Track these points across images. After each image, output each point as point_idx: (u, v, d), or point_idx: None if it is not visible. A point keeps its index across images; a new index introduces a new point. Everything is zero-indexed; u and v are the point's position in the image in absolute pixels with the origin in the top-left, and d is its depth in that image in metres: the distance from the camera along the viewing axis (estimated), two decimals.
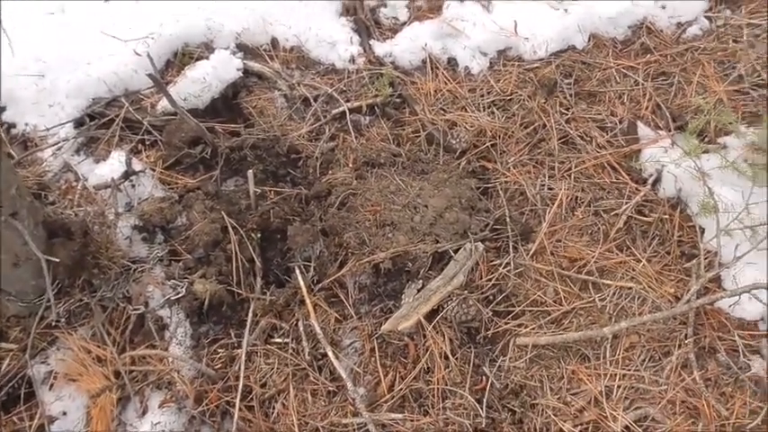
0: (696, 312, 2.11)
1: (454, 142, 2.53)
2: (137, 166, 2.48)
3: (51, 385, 2.15)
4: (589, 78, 2.69)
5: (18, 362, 2.16)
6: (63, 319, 2.26)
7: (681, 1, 2.79)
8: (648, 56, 2.70)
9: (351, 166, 2.53)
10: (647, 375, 2.04)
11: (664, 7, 2.77)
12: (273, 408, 2.11)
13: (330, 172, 2.53)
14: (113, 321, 2.26)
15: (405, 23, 2.95)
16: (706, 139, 2.47)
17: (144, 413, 2.11)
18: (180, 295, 2.25)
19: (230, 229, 2.30)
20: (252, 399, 2.11)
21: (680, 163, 2.27)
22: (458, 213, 2.34)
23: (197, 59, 2.82)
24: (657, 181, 2.40)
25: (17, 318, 2.27)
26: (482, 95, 2.67)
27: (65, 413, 2.10)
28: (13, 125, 2.67)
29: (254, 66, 2.80)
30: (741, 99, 2.56)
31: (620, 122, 2.56)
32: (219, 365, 2.17)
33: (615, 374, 2.06)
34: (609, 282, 2.21)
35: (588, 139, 2.53)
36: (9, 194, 1.98)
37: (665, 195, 2.37)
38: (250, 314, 2.23)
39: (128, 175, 2.43)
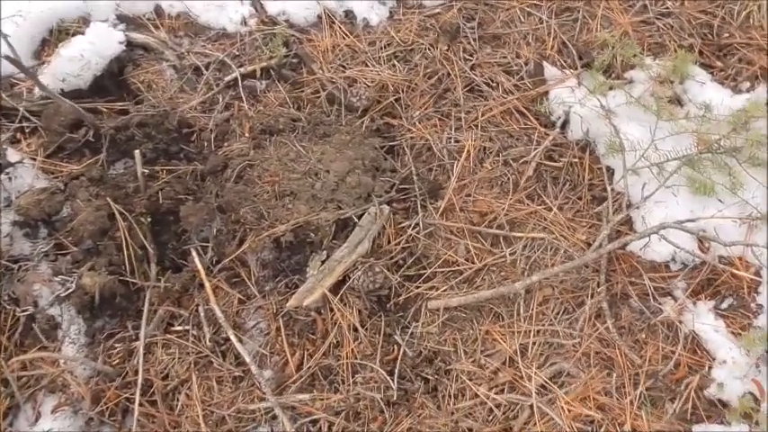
0: (608, 259, 2.02)
1: (354, 100, 2.37)
2: (13, 157, 2.27)
3: None
4: (492, 20, 2.53)
5: None
6: None
7: None
8: None
9: (247, 135, 2.35)
10: (561, 329, 1.96)
11: None
12: (177, 400, 1.98)
13: (226, 144, 2.36)
14: (0, 325, 2.07)
15: None
16: (613, 75, 2.35)
17: (37, 420, 1.95)
18: (70, 291, 2.09)
19: (117, 215, 2.12)
20: (153, 393, 1.98)
21: (585, 102, 2.15)
22: (360, 176, 2.19)
23: (74, 35, 2.58)
24: (566, 123, 2.28)
25: None
26: (382, 48, 2.50)
27: None
28: None
29: (138, 37, 2.58)
30: (647, 30, 2.43)
31: (526, 65, 2.43)
32: (117, 361, 2.02)
33: (529, 331, 1.96)
34: (520, 234, 2.10)
35: (494, 84, 2.39)
36: None
37: (574, 138, 2.26)
38: (146, 303, 2.07)
39: (1, 168, 2.21)
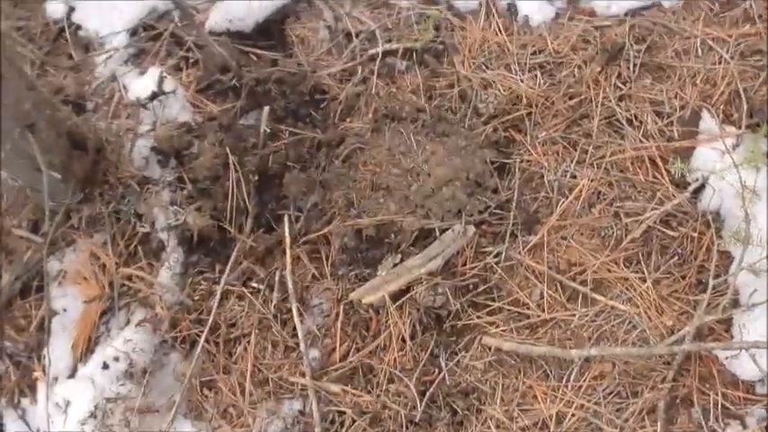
0: (687, 355, 1.79)
1: (482, 106, 2.26)
2: (168, 86, 2.50)
3: (60, 282, 2.34)
4: (665, 47, 2.23)
5: (39, 255, 2.36)
6: (84, 223, 2.40)
7: None
8: (747, 26, 2.16)
9: (371, 116, 2.36)
10: (605, 412, 1.81)
11: None
12: (236, 349, 2.15)
13: (349, 120, 2.40)
14: (124, 233, 2.37)
15: None
16: None
17: (125, 325, 2.24)
18: (178, 223, 2.30)
19: (231, 166, 2.27)
20: (219, 335, 2.16)
21: (728, 173, 1.85)
22: (456, 190, 2.12)
23: None
24: (700, 189, 1.99)
25: (52, 212, 2.46)
26: (532, 54, 2.33)
27: (65, 310, 2.29)
28: (79, 26, 2.76)
29: None
30: None
31: (682, 109, 2.12)
32: (198, 297, 2.22)
33: (572, 402, 1.84)
34: (600, 298, 1.93)
35: (637, 123, 2.14)
36: (22, 109, 2.07)
37: (703, 209, 1.97)
38: (234, 254, 2.23)
39: (155, 95, 2.45)
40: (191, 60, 2.62)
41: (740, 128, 2.02)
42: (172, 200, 2.34)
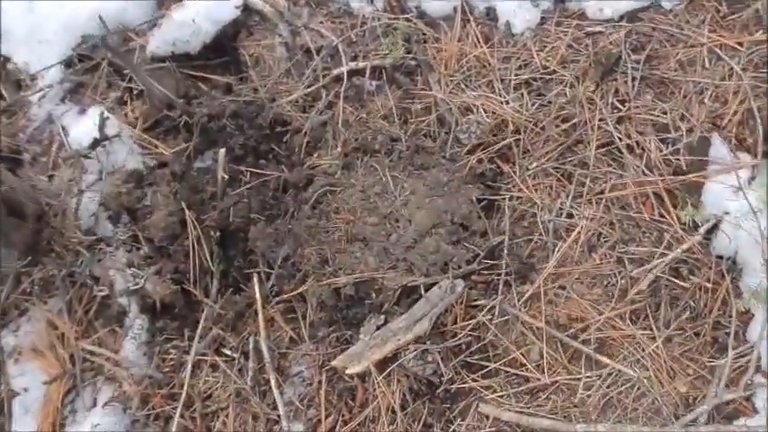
0: None
1: (463, 137, 1.97)
2: (112, 129, 2.19)
3: (16, 359, 2.10)
4: (667, 57, 1.93)
5: None
6: (37, 288, 2.15)
7: None
8: (760, 32, 1.85)
9: (340, 149, 2.08)
10: None
11: None
12: (215, 423, 1.95)
13: (316, 154, 2.11)
14: (81, 299, 2.13)
15: None
16: None
17: (93, 406, 2.03)
18: (138, 287, 2.05)
19: (189, 223, 1.99)
20: (195, 410, 1.96)
21: (742, 222, 1.60)
22: (440, 241, 1.87)
23: None
24: (713, 230, 1.74)
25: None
26: (516, 69, 2.03)
27: (26, 389, 2.07)
28: (8, 59, 2.41)
29: (256, 2, 2.30)
30: None
31: (690, 133, 1.85)
32: (168, 369, 2.01)
33: None
34: (606, 360, 1.72)
35: (639, 151, 1.87)
36: None
37: (717, 254, 1.73)
38: (201, 320, 2.00)
39: (97, 142, 2.14)
40: (135, 91, 2.29)
41: (756, 156, 1.75)
42: (128, 261, 2.08)
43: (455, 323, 1.84)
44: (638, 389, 1.69)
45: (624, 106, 1.90)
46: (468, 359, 1.84)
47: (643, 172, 1.83)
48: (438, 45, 2.10)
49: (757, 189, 1.69)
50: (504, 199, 1.92)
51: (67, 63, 2.32)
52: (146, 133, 2.21)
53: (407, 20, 2.16)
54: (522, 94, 1.99)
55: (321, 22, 2.26)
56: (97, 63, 2.29)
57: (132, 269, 2.07)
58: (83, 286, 2.11)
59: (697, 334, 1.71)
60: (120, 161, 2.18)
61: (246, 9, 2.30)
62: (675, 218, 1.77)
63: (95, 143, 2.14)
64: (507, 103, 1.97)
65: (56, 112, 2.29)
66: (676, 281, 1.74)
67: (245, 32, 2.31)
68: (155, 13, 2.37)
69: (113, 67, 2.30)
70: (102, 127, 2.15)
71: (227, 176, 2.05)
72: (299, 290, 1.94)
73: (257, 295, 1.97)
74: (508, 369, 1.80)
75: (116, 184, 2.08)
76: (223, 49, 2.29)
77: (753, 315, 1.67)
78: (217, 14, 2.24)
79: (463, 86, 2.04)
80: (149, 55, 2.28)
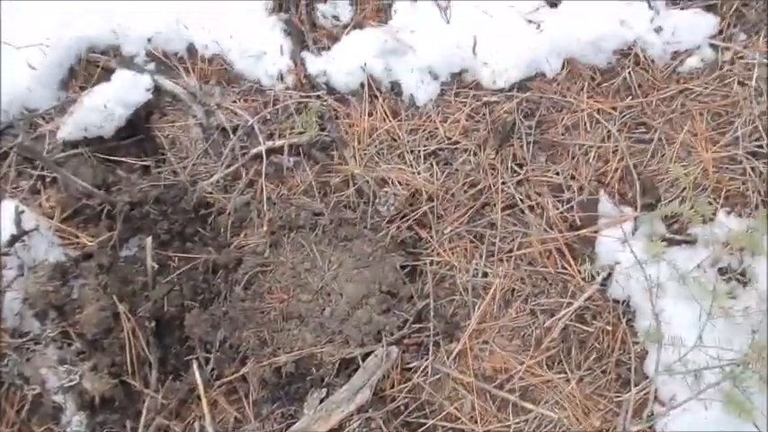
0: None
1: (382, 209, 2.10)
2: (28, 223, 2.15)
3: None
4: (554, 123, 2.15)
5: None
6: None
7: (682, 20, 2.12)
8: (630, 98, 2.12)
9: (265, 228, 2.15)
10: None
11: (659, 30, 2.12)
12: None
13: (243, 233, 2.17)
14: (10, 399, 2.07)
15: (346, 27, 2.35)
16: (675, 226, 1.99)
17: None
18: (73, 383, 2.03)
19: (122, 316, 2.00)
20: None
21: (630, 272, 1.84)
22: (371, 312, 1.99)
23: (102, 69, 2.34)
24: (609, 277, 1.98)
25: None
26: (424, 140, 2.19)
27: None
28: None
29: (167, 84, 2.32)
30: (730, 171, 2.03)
31: (581, 191, 2.08)
32: None
33: None
34: (530, 406, 1.91)
35: (539, 211, 2.08)
36: None
37: (614, 298, 1.97)
38: (144, 412, 2.01)
39: (15, 239, 2.10)
40: (47, 179, 2.26)
41: (636, 208, 2.00)
42: (60, 358, 2.06)
43: (392, 387, 1.97)
44: (561, 428, 1.89)
45: (522, 170, 2.11)
46: (408, 419, 1.98)
47: (545, 229, 2.04)
48: (350, 120, 2.23)
49: (640, 240, 1.94)
50: (425, 264, 2.07)
51: None
52: (64, 224, 2.20)
53: (318, 97, 2.26)
54: (432, 164, 2.15)
55: (234, 101, 2.32)
56: (5, 152, 2.24)
57: (66, 366, 2.05)
58: (11, 386, 2.06)
59: (604, 371, 1.94)
60: (40, 255, 2.15)
61: (158, 90, 2.32)
62: (576, 269, 1.99)
63: (13, 239, 2.11)
64: (419, 173, 2.13)
65: None
66: (582, 326, 1.97)
67: (158, 114, 2.33)
68: (60, 96, 2.34)
69: (23, 155, 2.25)
70: (18, 222, 2.12)
71: (156, 266, 2.08)
72: (240, 372, 2.00)
73: (198, 380, 2.01)
74: (445, 424, 1.95)
75: (40, 281, 2.06)
76: (137, 131, 2.30)
77: (647, 352, 1.91)
78: (128, 98, 2.26)
79: (377, 159, 2.17)
80: (60, 141, 2.26)
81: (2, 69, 2.24)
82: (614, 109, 2.12)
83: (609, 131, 2.11)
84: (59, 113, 2.30)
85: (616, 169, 2.08)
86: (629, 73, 2.12)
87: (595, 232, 2.01)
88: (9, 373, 2.07)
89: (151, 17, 2.31)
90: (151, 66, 2.35)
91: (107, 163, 2.27)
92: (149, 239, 2.08)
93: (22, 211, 2.14)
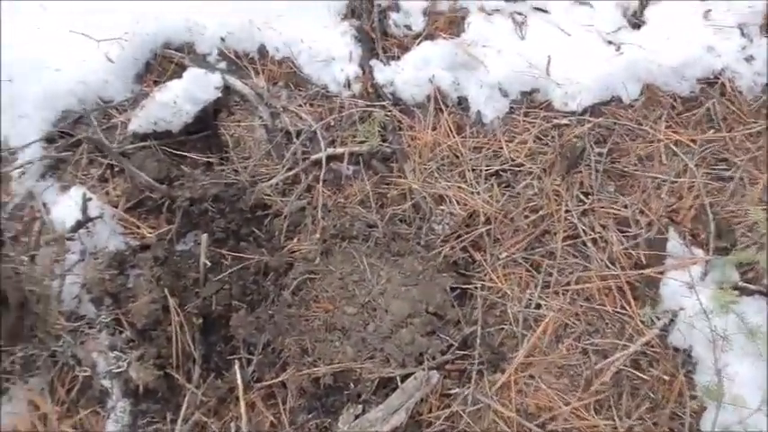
0: None
1: (437, 227, 2.05)
2: (94, 210, 2.21)
3: None
4: (627, 152, 2.04)
5: None
6: (18, 367, 2.16)
7: None
8: (712, 131, 1.98)
9: (318, 236, 2.13)
10: None
11: (750, 60, 1.96)
12: None
13: (296, 239, 2.16)
14: (63, 379, 2.15)
15: (418, 37, 2.31)
16: (749, 274, 1.84)
17: None
18: (120, 370, 2.08)
19: (172, 310, 2.04)
20: None
21: (695, 320, 1.71)
22: (415, 332, 1.95)
23: (176, 65, 2.39)
24: (670, 324, 1.85)
25: None
26: (487, 159, 2.11)
27: None
28: None
29: (236, 83, 2.35)
30: None
31: (649, 227, 1.95)
32: None
33: None
34: None
35: (602, 245, 1.97)
36: None
37: (674, 346, 1.84)
38: (184, 405, 2.04)
39: (80, 224, 2.17)
40: (116, 168, 2.32)
41: (708, 251, 1.86)
42: (111, 343, 2.12)
43: (430, 412, 1.92)
44: None
45: (588, 199, 2.00)
46: None
47: (606, 265, 1.93)
48: (413, 133, 2.18)
49: (709, 286, 1.80)
50: (476, 288, 2.00)
51: (48, 139, 2.33)
52: (128, 213, 2.24)
53: (383, 107, 2.22)
54: (493, 186, 2.07)
55: (300, 105, 2.32)
56: (78, 140, 2.31)
57: (115, 352, 2.10)
58: (65, 366, 2.13)
59: (655, 424, 1.81)
60: (102, 242, 2.21)
61: (227, 89, 2.34)
62: (636, 310, 1.87)
63: (78, 225, 2.17)
64: (478, 193, 2.06)
65: (36, 189, 2.30)
66: (637, 372, 1.85)
67: (225, 112, 2.36)
68: (135, 89, 2.40)
69: (94, 144, 2.32)
70: (84, 209, 2.18)
71: (209, 264, 2.10)
72: (280, 378, 1.99)
73: (239, 381, 2.02)
74: None
75: (98, 269, 2.11)
76: (205, 128, 2.33)
77: (705, 408, 1.77)
78: (198, 95, 2.29)
79: (436, 175, 2.11)
80: (131, 133, 2.31)
81: (81, 60, 2.32)
82: (694, 141, 1.98)
83: (686, 165, 1.97)
84: (132, 106, 2.35)
85: (690, 207, 1.94)
86: (714, 104, 1.97)
87: (661, 273, 1.88)
88: (63, 353, 2.13)
89: (225, 17, 2.33)
90: (222, 64, 2.38)
91: (173, 157, 2.30)
92: (205, 236, 2.11)
93: (90, 199, 2.20)
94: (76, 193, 2.24)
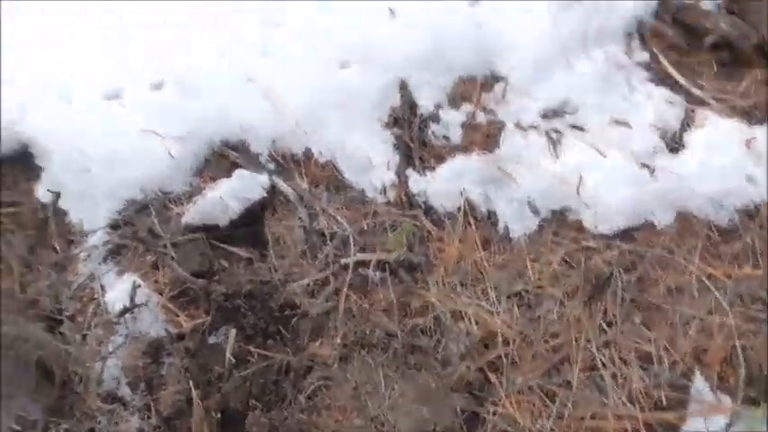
0: None
1: (453, 346, 2.04)
2: (141, 297, 2.39)
3: None
4: (656, 282, 1.96)
5: None
6: None
7: None
8: (750, 267, 1.86)
9: (339, 341, 2.18)
10: None
11: None
12: None
13: (319, 341, 2.22)
14: None
15: (455, 148, 2.35)
16: None
17: None
18: None
19: (195, 403, 2.14)
20: None
21: None
22: None
23: (232, 164, 2.57)
24: None
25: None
26: (511, 278, 2.09)
27: None
28: (66, 213, 2.67)
29: (281, 184, 2.49)
30: None
31: (673, 366, 1.85)
32: None
33: None
34: None
35: (621, 380, 1.88)
36: None
37: None
38: None
39: (126, 310, 2.35)
40: (167, 256, 2.49)
41: (736, 401, 1.73)
42: (140, 428, 2.24)
43: None
44: None
45: (611, 329, 1.93)
46: None
47: (623, 403, 1.83)
48: (440, 245, 2.20)
49: None
50: (488, 412, 1.96)
51: (113, 225, 2.55)
52: (171, 302, 2.39)
53: (415, 216, 2.27)
54: (514, 306, 2.04)
55: (338, 208, 2.41)
56: (138, 229, 2.51)
57: None
58: None
59: None
60: (145, 327, 2.36)
61: (273, 189, 2.48)
62: None
63: (125, 310, 2.34)
64: (498, 313, 2.03)
65: (98, 272, 2.51)
66: None
67: (270, 210, 2.49)
68: (193, 182, 2.59)
69: (152, 233, 2.52)
70: (133, 296, 2.36)
71: (234, 360, 2.19)
72: None
73: None
74: None
75: (135, 356, 2.26)
76: (250, 224, 2.47)
77: None
78: (244, 194, 2.44)
79: (459, 290, 2.11)
80: (183, 224, 2.49)
81: (146, 153, 2.54)
82: (728, 277, 1.87)
83: (718, 302, 1.85)
84: (188, 199, 2.53)
85: (720, 348, 1.82)
86: (752, 238, 1.86)
87: (682, 419, 1.76)
88: (101, 430, 2.28)
89: (274, 123, 2.49)
90: (271, 165, 2.53)
91: (218, 250, 2.45)
92: (233, 331, 2.21)
93: (139, 286, 2.38)
94: (129, 279, 2.42)
